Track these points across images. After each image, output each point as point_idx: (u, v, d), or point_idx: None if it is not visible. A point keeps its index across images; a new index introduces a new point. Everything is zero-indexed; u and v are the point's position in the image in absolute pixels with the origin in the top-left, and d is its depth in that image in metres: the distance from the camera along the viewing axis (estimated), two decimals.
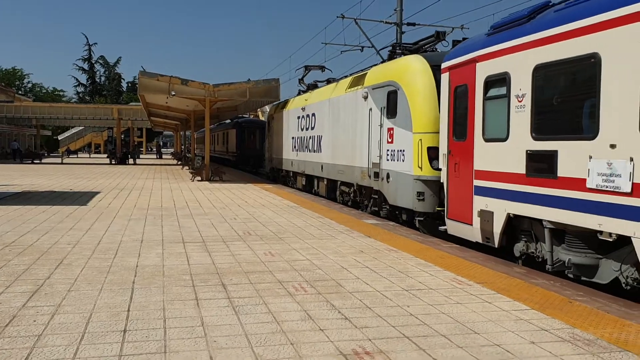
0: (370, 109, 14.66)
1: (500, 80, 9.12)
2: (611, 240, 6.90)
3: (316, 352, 4.61)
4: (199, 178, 26.34)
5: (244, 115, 44.37)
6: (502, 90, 9.07)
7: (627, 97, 6.61)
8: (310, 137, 20.86)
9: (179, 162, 49.68)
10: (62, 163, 45.17)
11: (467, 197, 9.98)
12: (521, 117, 8.53)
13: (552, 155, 7.81)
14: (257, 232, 10.92)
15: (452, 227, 10.55)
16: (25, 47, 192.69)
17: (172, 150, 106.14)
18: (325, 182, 19.31)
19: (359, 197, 16.09)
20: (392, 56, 15.02)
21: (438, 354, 4.59)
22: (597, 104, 7.02)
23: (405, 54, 14.26)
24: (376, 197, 14.50)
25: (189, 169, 32.88)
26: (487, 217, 9.33)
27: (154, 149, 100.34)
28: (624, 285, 7.08)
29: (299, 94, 24.42)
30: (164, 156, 70.43)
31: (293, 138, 23.52)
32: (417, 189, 12.00)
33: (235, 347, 4.68)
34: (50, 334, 4.96)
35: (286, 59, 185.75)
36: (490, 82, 9.45)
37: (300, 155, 22.28)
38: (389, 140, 13.44)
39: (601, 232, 7.00)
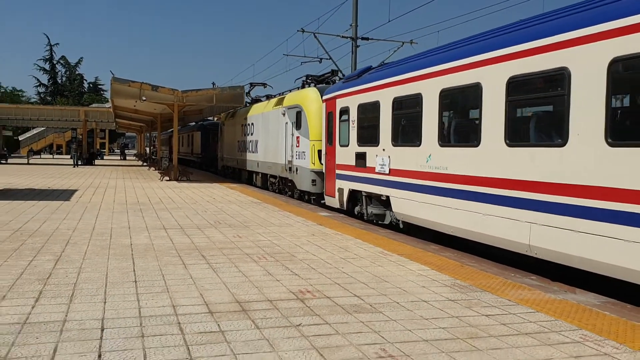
0: (286, 123, 20.50)
1: (346, 111, 15.19)
2: (384, 199, 12.95)
3: (274, 291, 6.68)
4: (167, 178, 28.03)
5: (209, 118, 46.01)
6: (346, 117, 15.16)
7: (387, 125, 12.83)
8: (250, 141, 26.41)
9: (145, 163, 50.95)
10: (28, 163, 46.02)
11: (333, 180, 16.05)
12: (353, 133, 14.68)
13: (364, 154, 13.95)
14: (226, 221, 12.91)
15: (327, 200, 16.70)
16: None
17: (134, 151, 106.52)
18: (260, 176, 25.32)
19: (281, 185, 22.01)
20: (303, 85, 21.00)
21: (357, 291, 6.72)
22: (378, 128, 13.16)
23: (311, 85, 20.31)
24: (290, 184, 20.46)
25: (157, 169, 34.47)
26: (341, 192, 15.47)
27: (117, 150, 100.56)
28: (393, 222, 13.02)
29: (245, 105, 28.46)
30: (127, 157, 71.17)
31: (238, 142, 29.18)
32: (312, 178, 18.18)
33: (216, 290, 6.71)
34: (82, 282, 6.90)
35: (250, 66, 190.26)
36: (342, 111, 15.48)
37: (244, 155, 27.92)
38: (297, 145, 19.41)
39: (382, 195, 13.00)
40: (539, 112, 8.99)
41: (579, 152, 7.50)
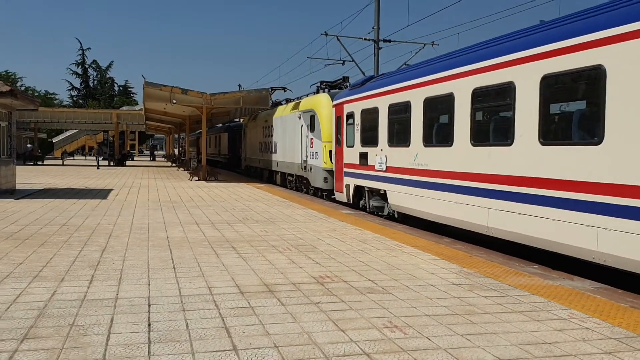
0: (302, 125, 22.48)
1: (351, 115, 17.05)
2: (382, 193, 14.85)
3: (297, 276, 7.48)
4: (197, 178, 29.09)
5: (236, 120, 47.10)
6: (352, 121, 17.01)
7: (384, 128, 14.68)
8: (270, 142, 28.40)
9: (174, 164, 52.30)
10: (63, 165, 47.72)
11: (341, 178, 18.01)
12: (358, 135, 16.50)
13: (366, 154, 15.83)
14: (253, 218, 13.77)
15: (337, 195, 18.58)
16: (18, 50, 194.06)
17: (163, 152, 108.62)
18: (279, 174, 27.23)
19: (298, 183, 23.83)
20: (318, 90, 22.67)
21: (371, 277, 7.48)
22: (377, 130, 15.04)
23: (325, 90, 21.95)
24: (305, 182, 22.34)
25: (185, 169, 35.61)
26: (347, 188, 17.44)
27: (146, 151, 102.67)
28: (390, 213, 14.87)
29: (269, 107, 30.00)
30: (156, 158, 72.85)
31: (260, 143, 31.26)
32: (324, 176, 20.04)
33: (246, 275, 7.54)
34: (127, 268, 7.80)
35: (275, 69, 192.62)
36: (348, 116, 17.36)
37: (265, 156, 29.87)
38: (311, 146, 21.35)
39: (381, 190, 14.88)
40: (496, 118, 10.60)
41: (521, 150, 9.30)
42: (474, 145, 10.63)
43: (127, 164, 49.52)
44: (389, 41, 27.47)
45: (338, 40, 26.47)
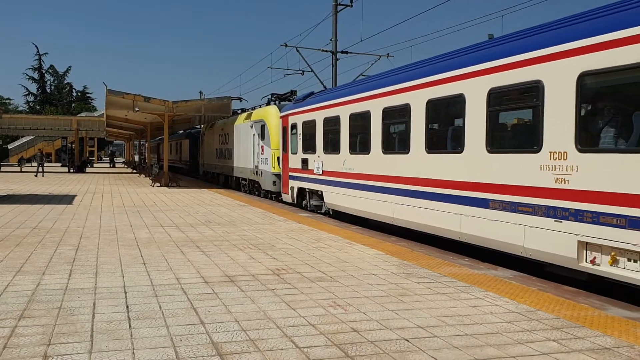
0: (254, 134, 25.00)
1: (295, 126, 19.57)
2: (320, 193, 17.40)
3: (255, 269, 8.44)
4: (159, 184, 29.66)
5: (197, 127, 47.65)
6: (295, 131, 19.49)
7: (320, 138, 17.19)
8: (226, 149, 30.81)
9: (135, 170, 52.41)
10: (21, 171, 47.37)
11: (287, 181, 20.46)
12: (300, 143, 19.03)
13: (307, 160, 18.33)
14: (215, 221, 14.64)
15: (284, 197, 20.98)
16: None
17: (122, 159, 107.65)
18: (234, 179, 29.81)
19: (250, 186, 26.36)
20: (268, 102, 25.18)
21: (322, 268, 8.51)
22: (315, 139, 17.59)
23: (275, 102, 24.60)
24: (257, 185, 24.95)
25: (147, 176, 36.02)
26: (292, 189, 19.90)
27: (105, 158, 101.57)
28: (326, 211, 17.34)
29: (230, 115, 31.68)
30: (116, 165, 72.47)
31: (216, 149, 33.74)
32: (273, 179, 22.41)
33: (209, 268, 8.46)
34: (101, 264, 8.63)
35: (236, 77, 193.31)
36: (292, 126, 19.83)
37: (221, 161, 32.42)
38: (262, 152, 23.85)
39: (319, 190, 17.43)
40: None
41: (414, 155, 11.79)
42: (384, 153, 13.30)
43: (87, 171, 49.46)
44: (347, 52, 28.70)
45: (297, 51, 27.54)
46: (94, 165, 71.74)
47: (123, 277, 7.77)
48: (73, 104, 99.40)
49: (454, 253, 10.71)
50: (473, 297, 6.96)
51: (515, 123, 9.90)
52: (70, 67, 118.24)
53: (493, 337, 5.40)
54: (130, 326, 5.54)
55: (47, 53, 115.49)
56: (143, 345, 4.99)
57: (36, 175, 38.60)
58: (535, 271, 9.24)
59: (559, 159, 8.16)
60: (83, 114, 77.26)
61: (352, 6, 27.73)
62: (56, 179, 35.52)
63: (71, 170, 46.63)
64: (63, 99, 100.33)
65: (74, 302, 6.42)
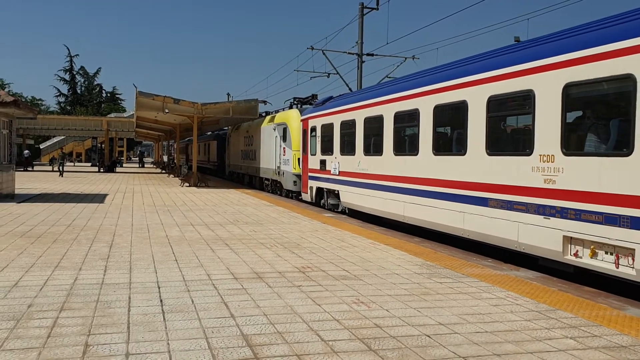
0: (276, 136, 26.12)
1: (314, 129, 20.56)
2: (337, 193, 18.39)
3: (282, 266, 8.72)
4: (187, 184, 30.22)
5: (225, 129, 48.26)
6: (314, 133, 20.51)
7: (337, 140, 18.10)
8: (251, 151, 32.02)
9: (163, 171, 53.28)
10: (53, 170, 48.50)
11: (306, 181, 21.54)
12: (318, 145, 19.95)
13: (325, 161, 19.24)
14: (243, 220, 14.98)
15: (303, 196, 21.98)
16: (5, 57, 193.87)
17: (151, 159, 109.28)
18: (257, 179, 31.01)
19: (273, 186, 27.37)
20: (291, 106, 26.39)
21: (346, 267, 8.74)
22: (333, 141, 18.50)
23: (297, 105, 25.84)
24: (279, 185, 26.01)
25: (176, 176, 36.64)
26: (311, 189, 20.96)
27: (134, 158, 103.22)
28: (342, 209, 18.29)
29: (258, 117, 32.38)
30: (145, 165, 73.67)
31: (242, 151, 35.01)
32: (293, 179, 23.68)
33: (238, 265, 8.76)
34: (135, 260, 8.99)
35: (264, 79, 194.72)
36: (312, 129, 20.86)
37: (245, 162, 33.70)
38: (283, 154, 24.96)
39: (335, 190, 18.38)
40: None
41: (423, 157, 12.43)
42: (395, 154, 14.15)
43: (116, 171, 50.47)
44: (372, 55, 28.89)
45: (324, 54, 27.83)
46: (124, 165, 73.08)
47: (156, 273, 8.11)
48: (103, 105, 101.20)
49: (478, 254, 10.85)
50: (494, 296, 7.13)
51: (512, 128, 10.65)
52: (100, 68, 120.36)
53: (512, 334, 5.58)
54: (164, 319, 5.84)
55: (78, 55, 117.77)
56: (177, 337, 5.29)
57: (60, 175, 38.82)
58: (556, 272, 9.34)
59: (547, 162, 8.94)
60: (112, 115, 78.65)
61: (378, 9, 27.91)
62: (87, 179, 36.38)
63: (101, 170, 47.62)
64: (93, 99, 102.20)
65: (110, 296, 6.76)
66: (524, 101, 9.55)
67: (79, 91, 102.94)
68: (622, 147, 7.63)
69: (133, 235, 11.82)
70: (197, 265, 8.74)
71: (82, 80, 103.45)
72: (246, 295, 6.86)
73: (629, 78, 7.49)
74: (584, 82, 8.25)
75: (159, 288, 7.18)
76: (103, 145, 56.02)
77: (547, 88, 8.95)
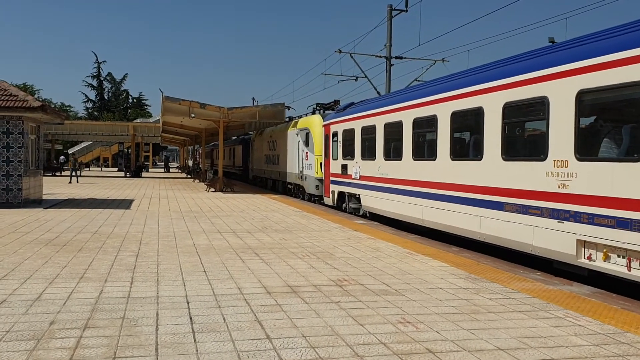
0: (299, 141, 26.35)
1: (336, 134, 20.74)
2: (358, 197, 18.47)
3: (317, 279, 8.19)
4: (213, 189, 29.91)
5: (250, 133, 48.02)
6: (336, 138, 20.64)
7: (359, 145, 18.27)
8: (274, 155, 32.35)
9: (189, 176, 53.24)
10: (81, 175, 48.74)
11: (328, 185, 21.71)
12: (340, 150, 20.14)
13: (346, 165, 19.43)
14: (272, 227, 14.50)
15: (325, 200, 22.25)
16: (35, 63, 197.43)
17: (176, 164, 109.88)
18: (281, 183, 30.90)
19: (295, 190, 27.49)
20: (314, 111, 26.43)
21: (385, 280, 8.18)
22: (354, 147, 18.65)
23: (319, 111, 25.86)
24: (302, 189, 26.10)
25: (201, 181, 36.38)
26: (333, 193, 21.11)
27: (160, 163, 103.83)
28: (363, 213, 18.45)
29: (285, 121, 32.25)
30: (170, 170, 73.93)
31: (265, 155, 35.19)
32: (315, 183, 23.74)
33: (271, 277, 8.26)
34: (162, 271, 8.55)
35: (290, 83, 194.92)
36: (334, 134, 21.02)
37: (269, 167, 33.70)
38: (306, 158, 25.14)
39: (356, 194, 18.52)
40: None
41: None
42: (414, 159, 14.33)
43: (142, 175, 50.53)
44: (401, 58, 28.27)
45: (351, 57, 27.33)
46: (149, 170, 73.36)
47: (184, 285, 7.65)
48: (129, 110, 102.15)
49: (523, 266, 10.21)
50: (552, 315, 6.50)
51: (526, 134, 10.94)
52: (126, 74, 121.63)
53: None
54: (194, 339, 5.36)
55: (105, 61, 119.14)
56: None
57: (70, 182, 36.65)
58: (613, 287, 8.66)
59: (561, 167, 9.06)
60: (139, 120, 79.16)
61: (407, 11, 27.32)
62: (114, 184, 36.33)
63: (127, 175, 47.72)
64: (120, 105, 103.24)
65: (137, 312, 6.31)
66: (539, 108, 9.69)
67: (106, 97, 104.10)
68: (634, 153, 7.77)
69: (160, 243, 11.41)
70: (227, 277, 8.25)
71: (110, 86, 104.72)
72: (281, 313, 6.35)
73: None
74: (597, 89, 8.40)
75: (188, 303, 6.71)
76: (129, 150, 56.24)
77: (561, 95, 9.09)
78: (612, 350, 5.29)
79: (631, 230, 7.68)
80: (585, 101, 8.71)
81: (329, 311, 6.47)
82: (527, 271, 9.46)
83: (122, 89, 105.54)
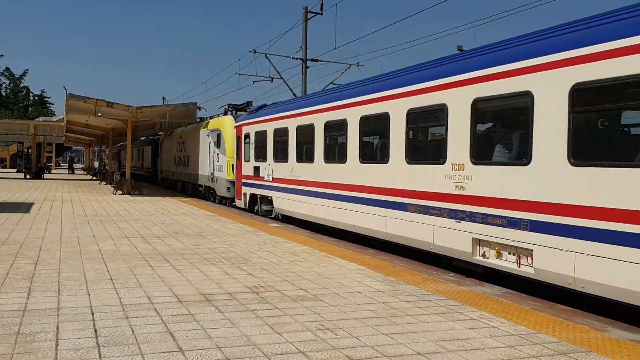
0: (210, 142, 25.86)
1: (248, 135, 20.64)
2: (270, 199, 18.50)
3: (232, 286, 7.89)
4: (121, 192, 28.65)
5: (160, 134, 46.56)
6: (248, 140, 20.58)
7: (271, 147, 18.34)
8: (184, 157, 31.61)
9: (95, 177, 50.90)
10: None
11: (240, 188, 21.53)
12: (252, 152, 19.96)
13: (259, 167, 19.37)
14: (183, 232, 13.98)
15: (237, 202, 22.01)
16: None
17: (81, 165, 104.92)
18: (190, 185, 30.33)
19: (206, 192, 26.88)
20: (225, 112, 25.98)
21: (303, 285, 8.01)
22: (266, 148, 18.61)
23: (231, 112, 25.56)
24: (212, 191, 25.65)
25: (108, 183, 34.81)
26: (245, 196, 20.94)
27: (63, 164, 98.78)
28: (275, 215, 18.44)
29: (196, 121, 31.54)
30: (75, 171, 70.43)
31: (174, 157, 34.37)
32: (227, 186, 23.57)
33: (182, 285, 7.87)
34: (64, 280, 7.94)
35: (202, 83, 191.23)
36: (245, 136, 20.93)
37: (179, 168, 32.90)
38: (217, 160, 24.70)
39: (269, 196, 18.46)
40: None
41: (350, 165, 12.69)
42: (325, 162, 14.56)
43: (44, 177, 47.72)
44: (317, 60, 28.33)
45: (267, 58, 27.05)
46: (52, 171, 69.50)
47: (89, 295, 7.12)
48: (30, 108, 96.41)
49: (436, 267, 10.37)
50: (467, 317, 6.58)
51: (428, 139, 11.42)
52: (27, 70, 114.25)
53: None
54: (99, 354, 4.94)
55: (2, 55, 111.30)
56: None
57: None
58: (524, 288, 8.95)
59: (458, 170, 9.63)
60: (41, 119, 74.91)
61: (322, 14, 27.41)
62: (12, 186, 34.03)
63: (28, 177, 44.94)
64: (19, 102, 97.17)
65: (34, 325, 5.77)
66: (439, 114, 10.19)
67: (3, 94, 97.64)
68: (522, 157, 8.33)
69: (62, 249, 10.67)
70: (136, 285, 7.79)
71: (8, 82, 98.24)
72: (194, 323, 6.02)
73: (527, 95, 8.15)
74: (490, 98, 8.94)
75: (92, 314, 6.23)
76: (30, 151, 52.97)
77: (458, 103, 9.62)
78: (526, 352, 5.39)
79: (520, 229, 8.23)
80: (480, 109, 9.24)
81: (245, 320, 6.21)
82: (440, 272, 9.61)
83: (21, 85, 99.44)
